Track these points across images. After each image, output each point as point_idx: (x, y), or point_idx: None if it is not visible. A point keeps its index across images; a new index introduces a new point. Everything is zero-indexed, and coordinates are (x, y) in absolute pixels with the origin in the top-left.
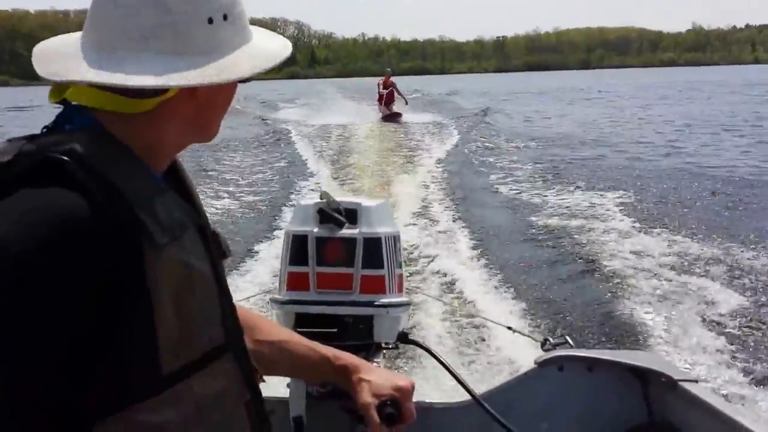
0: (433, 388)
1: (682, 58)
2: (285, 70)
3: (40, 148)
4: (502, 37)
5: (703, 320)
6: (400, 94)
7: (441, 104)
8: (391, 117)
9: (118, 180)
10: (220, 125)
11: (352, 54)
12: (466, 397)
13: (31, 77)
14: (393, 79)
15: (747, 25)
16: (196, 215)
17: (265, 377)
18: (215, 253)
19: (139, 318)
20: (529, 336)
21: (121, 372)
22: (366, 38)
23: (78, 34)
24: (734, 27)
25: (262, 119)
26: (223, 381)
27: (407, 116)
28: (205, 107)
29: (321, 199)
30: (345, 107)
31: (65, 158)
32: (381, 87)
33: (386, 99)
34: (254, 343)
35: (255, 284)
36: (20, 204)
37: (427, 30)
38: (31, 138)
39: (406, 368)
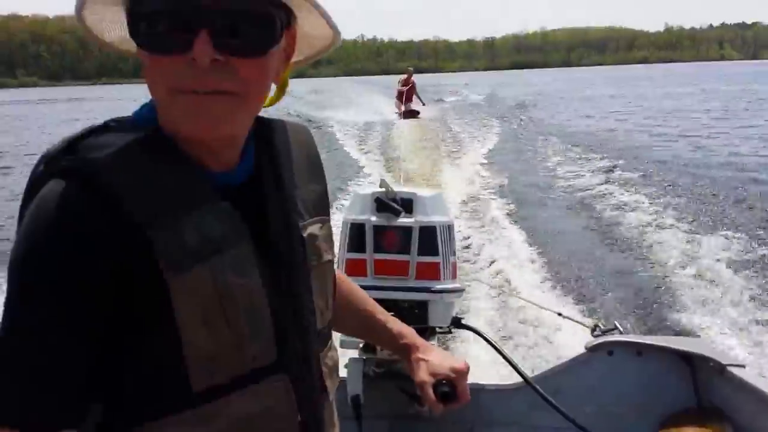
0: (484, 372)
1: (654, 56)
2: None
3: (78, 151)
4: (492, 37)
5: (754, 308)
6: (418, 96)
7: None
8: (410, 114)
9: (136, 198)
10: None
11: (353, 54)
12: (517, 379)
13: (54, 78)
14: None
15: (723, 24)
16: (245, 227)
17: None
18: (293, 261)
19: (164, 334)
20: (579, 322)
21: (148, 385)
22: (365, 39)
23: None
24: (705, 26)
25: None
26: (269, 401)
27: (428, 113)
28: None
29: (380, 187)
30: (364, 104)
31: (84, 171)
32: (401, 84)
33: (406, 96)
34: (343, 308)
35: None
36: (31, 208)
37: (422, 31)
38: (86, 135)
39: (458, 351)
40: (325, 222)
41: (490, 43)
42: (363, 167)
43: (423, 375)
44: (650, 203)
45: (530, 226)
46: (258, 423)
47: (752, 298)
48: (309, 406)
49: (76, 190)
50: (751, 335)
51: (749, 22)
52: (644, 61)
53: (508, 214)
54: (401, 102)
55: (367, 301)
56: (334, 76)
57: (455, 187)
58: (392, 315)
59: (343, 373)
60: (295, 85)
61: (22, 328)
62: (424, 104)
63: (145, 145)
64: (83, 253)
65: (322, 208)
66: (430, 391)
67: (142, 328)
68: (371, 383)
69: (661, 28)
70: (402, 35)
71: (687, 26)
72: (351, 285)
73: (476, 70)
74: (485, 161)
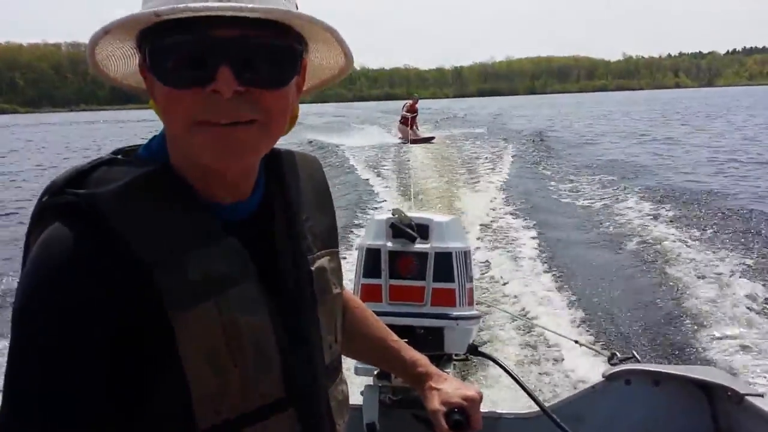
0: (502, 400)
1: (613, 84)
2: None
3: (84, 184)
4: (460, 66)
5: None
6: (415, 123)
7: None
8: (421, 140)
9: (140, 237)
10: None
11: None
12: (535, 408)
13: (32, 104)
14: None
15: (680, 53)
16: (251, 264)
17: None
18: (301, 295)
19: (171, 373)
20: (596, 350)
21: (156, 424)
22: None
23: None
24: (664, 55)
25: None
26: None
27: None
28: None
29: (393, 214)
30: (364, 131)
31: (88, 210)
32: (405, 110)
33: (411, 123)
34: (353, 331)
35: None
36: (36, 249)
37: (393, 59)
38: (94, 167)
39: (476, 379)
40: (334, 254)
41: (458, 72)
42: (378, 193)
43: (435, 404)
44: (669, 229)
45: (545, 253)
46: None
47: None
48: None
49: (80, 234)
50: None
51: (705, 51)
52: (604, 88)
53: (525, 235)
54: (407, 127)
55: (381, 328)
56: (309, 103)
57: (472, 212)
58: (407, 341)
59: (358, 400)
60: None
61: (40, 387)
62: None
63: (153, 180)
64: (92, 303)
65: (330, 240)
66: (442, 420)
67: (149, 368)
68: (387, 411)
69: (621, 57)
70: (374, 63)
71: (646, 55)
72: (365, 311)
73: (446, 96)
74: (501, 184)
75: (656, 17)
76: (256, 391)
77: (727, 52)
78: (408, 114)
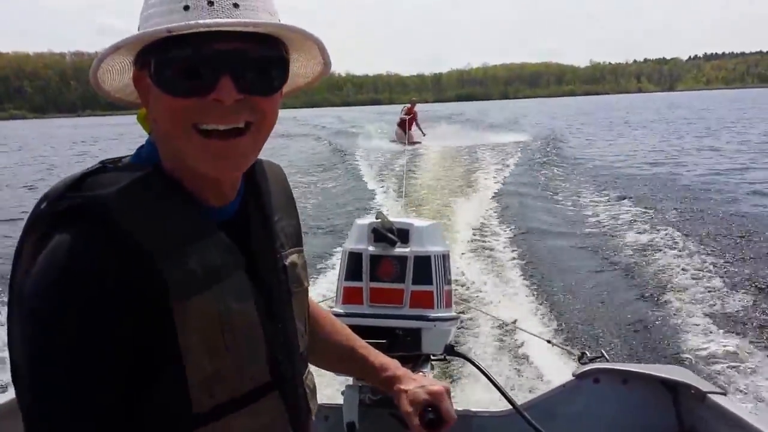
0: (479, 398)
1: (580, 89)
2: None
3: (82, 190)
4: (439, 72)
5: (735, 334)
6: (418, 125)
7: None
8: (416, 143)
9: (143, 232)
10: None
11: (314, 87)
12: (508, 406)
13: (39, 110)
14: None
15: (645, 59)
16: (241, 257)
17: (315, 406)
18: (278, 288)
19: (168, 359)
20: (566, 350)
21: (155, 410)
22: None
23: None
24: (630, 61)
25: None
26: (265, 419)
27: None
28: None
29: (376, 219)
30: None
31: (94, 209)
32: (404, 113)
33: (408, 125)
34: (323, 343)
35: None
36: (46, 256)
37: (376, 66)
38: (87, 175)
39: (454, 378)
40: (301, 252)
41: (437, 78)
42: (373, 196)
43: (405, 406)
44: (639, 233)
45: (524, 256)
46: None
47: (736, 323)
48: (299, 424)
49: (89, 234)
50: (733, 362)
51: (669, 57)
52: (571, 93)
53: (500, 239)
54: (403, 130)
55: (349, 335)
56: (295, 108)
57: (451, 215)
58: (387, 342)
59: (339, 400)
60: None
61: (62, 382)
62: (424, 134)
63: (147, 182)
64: (107, 299)
65: (298, 239)
66: (416, 421)
67: (153, 357)
68: (366, 410)
69: (588, 64)
70: (359, 70)
71: (614, 62)
72: (332, 320)
73: (426, 101)
74: (478, 185)
75: (625, 24)
76: (246, 375)
77: (689, 57)
78: (406, 117)
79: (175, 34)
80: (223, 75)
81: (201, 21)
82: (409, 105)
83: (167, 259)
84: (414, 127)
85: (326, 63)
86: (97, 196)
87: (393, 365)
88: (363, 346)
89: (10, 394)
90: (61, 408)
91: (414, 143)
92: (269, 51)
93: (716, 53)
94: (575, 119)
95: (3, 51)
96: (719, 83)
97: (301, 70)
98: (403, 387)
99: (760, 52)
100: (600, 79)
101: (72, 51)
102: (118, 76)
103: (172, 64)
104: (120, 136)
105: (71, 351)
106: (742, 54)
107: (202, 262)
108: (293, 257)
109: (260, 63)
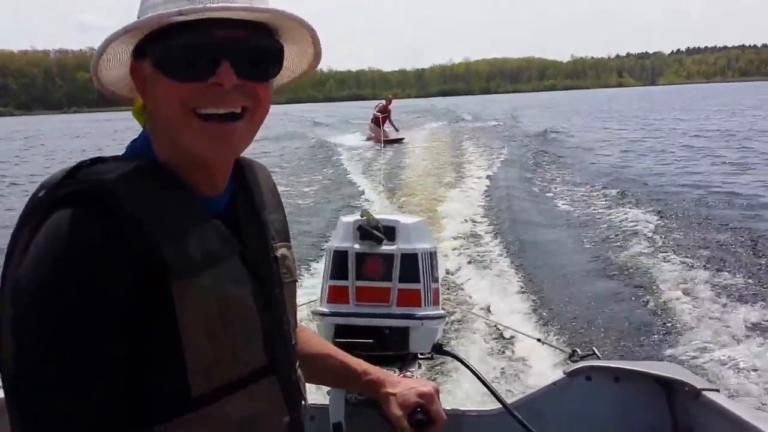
0: (468, 397)
1: (561, 84)
2: None
3: (79, 178)
4: (422, 68)
5: (728, 332)
6: (392, 123)
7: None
8: (393, 141)
9: (144, 214)
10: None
11: (297, 83)
12: (498, 405)
13: (25, 107)
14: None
15: (628, 54)
16: (238, 244)
17: (306, 396)
18: (271, 277)
19: (167, 341)
20: (558, 348)
21: (153, 392)
22: None
23: None
24: (612, 56)
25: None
26: (262, 403)
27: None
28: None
29: (361, 216)
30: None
31: (95, 193)
32: (377, 110)
33: (382, 123)
34: (302, 355)
35: (304, 296)
36: (46, 234)
37: (358, 61)
38: (84, 166)
39: (442, 377)
40: (289, 247)
41: (419, 73)
42: (359, 193)
43: (394, 409)
44: (633, 232)
45: (514, 253)
46: (252, 423)
47: (729, 322)
48: (294, 409)
49: (89, 215)
50: (727, 359)
51: (651, 51)
52: (552, 88)
53: (490, 236)
54: (378, 127)
55: (325, 345)
56: (280, 104)
57: (437, 211)
58: (374, 341)
59: (325, 400)
60: None
61: (72, 365)
62: (397, 130)
63: (144, 171)
64: (109, 280)
65: (285, 235)
66: (405, 423)
67: (151, 338)
68: (353, 410)
69: (569, 59)
70: (341, 66)
71: (595, 56)
72: (308, 332)
73: (409, 97)
74: (468, 180)
75: (607, 18)
76: (243, 358)
77: (672, 52)
78: (379, 114)
79: (181, 20)
80: (223, 60)
81: (210, 5)
82: (384, 102)
83: (167, 240)
84: (387, 125)
85: (317, 54)
86: (97, 180)
87: (374, 369)
88: (343, 354)
89: None
90: (62, 387)
91: (390, 141)
92: (266, 40)
93: (698, 47)
94: (558, 113)
95: None
96: (700, 77)
97: (288, 64)
98: (390, 390)
99: (743, 46)
100: (581, 74)
101: (56, 49)
102: (114, 69)
103: (177, 50)
104: (114, 132)
105: (73, 326)
106: (725, 48)
107: (200, 245)
108: (283, 250)
109: (258, 50)
